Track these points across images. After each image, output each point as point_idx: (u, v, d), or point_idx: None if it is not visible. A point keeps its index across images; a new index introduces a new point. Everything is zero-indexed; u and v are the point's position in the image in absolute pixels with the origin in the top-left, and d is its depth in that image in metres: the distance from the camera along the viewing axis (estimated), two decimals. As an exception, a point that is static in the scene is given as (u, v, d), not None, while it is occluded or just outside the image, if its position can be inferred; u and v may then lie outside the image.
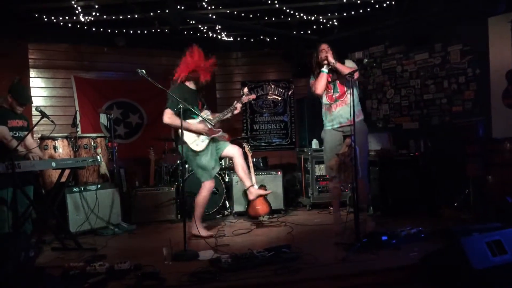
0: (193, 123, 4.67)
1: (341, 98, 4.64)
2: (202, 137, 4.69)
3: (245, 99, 4.97)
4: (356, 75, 4.47)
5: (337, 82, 4.68)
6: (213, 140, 4.78)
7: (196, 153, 4.68)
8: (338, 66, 4.57)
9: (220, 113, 4.93)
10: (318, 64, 4.65)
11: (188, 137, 4.65)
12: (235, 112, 4.86)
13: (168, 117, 4.58)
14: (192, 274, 3.25)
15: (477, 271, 2.90)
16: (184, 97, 4.47)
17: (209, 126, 4.70)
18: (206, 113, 4.80)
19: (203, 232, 4.68)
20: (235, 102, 4.84)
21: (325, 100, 4.72)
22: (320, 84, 4.62)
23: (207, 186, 4.79)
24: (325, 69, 4.60)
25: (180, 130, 4.42)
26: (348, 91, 4.58)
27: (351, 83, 4.33)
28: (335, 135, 4.67)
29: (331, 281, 3.25)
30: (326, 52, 4.61)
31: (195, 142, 4.67)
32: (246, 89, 5.21)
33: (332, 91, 4.70)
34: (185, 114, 4.44)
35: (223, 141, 4.89)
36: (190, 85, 4.79)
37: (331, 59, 4.57)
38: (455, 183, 5.47)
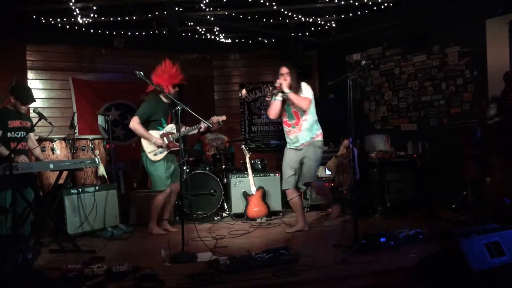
0: (153, 134, 4.95)
1: (297, 126, 4.72)
2: (161, 148, 4.95)
3: (214, 119, 5.09)
4: (306, 106, 4.54)
5: (292, 109, 4.71)
6: (172, 160, 5.07)
7: (153, 162, 4.96)
8: (291, 96, 4.57)
9: (189, 126, 5.10)
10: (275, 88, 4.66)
11: (147, 146, 4.96)
12: (201, 130, 5.07)
13: (134, 123, 4.90)
14: (191, 276, 3.24)
15: (476, 273, 2.90)
16: (153, 110, 4.92)
17: (171, 139, 4.95)
18: (170, 127, 5.04)
19: (155, 230, 5.06)
20: (201, 122, 4.86)
21: (283, 124, 4.81)
22: (272, 111, 4.68)
23: (163, 193, 5.07)
24: (279, 97, 4.61)
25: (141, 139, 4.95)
26: (303, 118, 4.68)
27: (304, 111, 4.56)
28: (295, 154, 4.77)
29: (329, 282, 3.25)
30: (284, 78, 4.59)
31: (153, 152, 4.95)
32: (244, 91, 5.23)
33: (287, 117, 4.76)
34: (151, 125, 4.94)
35: (176, 174, 5.08)
36: (164, 98, 5.02)
37: (285, 89, 4.54)
38: (453, 184, 5.48)
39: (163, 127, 5.01)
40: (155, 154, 4.94)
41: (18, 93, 4.48)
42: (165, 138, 4.95)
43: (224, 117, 5.10)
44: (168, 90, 4.84)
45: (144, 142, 4.98)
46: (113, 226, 5.32)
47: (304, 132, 4.72)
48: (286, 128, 4.82)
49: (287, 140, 4.88)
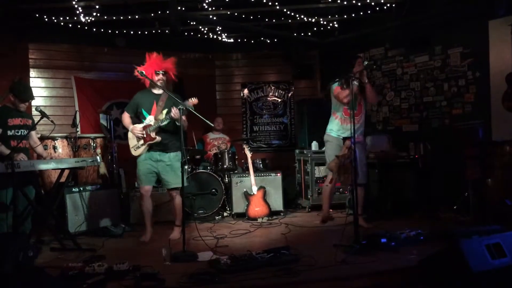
0: (134, 125, 4.77)
1: (357, 117, 4.78)
2: (140, 142, 4.75)
3: (189, 102, 4.52)
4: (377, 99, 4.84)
5: (357, 100, 4.80)
6: (157, 160, 4.73)
7: (137, 158, 4.80)
8: (368, 88, 4.77)
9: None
10: (348, 75, 4.68)
11: (130, 140, 4.84)
12: (173, 115, 4.53)
13: (122, 115, 4.91)
14: (191, 275, 3.24)
15: (476, 274, 2.89)
16: (139, 101, 4.78)
17: (148, 132, 4.68)
18: (149, 119, 4.74)
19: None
20: (172, 109, 4.55)
21: (341, 111, 4.84)
22: (350, 95, 4.63)
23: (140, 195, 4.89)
24: (356, 82, 4.70)
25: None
26: (363, 112, 4.89)
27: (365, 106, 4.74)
28: (341, 142, 4.80)
29: (330, 283, 3.25)
30: (360, 67, 4.74)
31: (135, 146, 4.82)
32: (246, 91, 5.20)
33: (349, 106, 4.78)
34: (138, 118, 4.82)
35: (173, 177, 4.72)
36: (154, 90, 4.80)
37: (365, 79, 4.75)
38: (455, 185, 5.48)
39: (146, 119, 4.79)
40: (135, 149, 4.80)
41: (16, 91, 4.49)
42: (144, 131, 4.75)
43: (195, 101, 4.48)
44: (152, 78, 4.67)
45: (129, 136, 4.85)
46: (114, 225, 5.33)
47: (361, 127, 4.89)
48: (343, 117, 4.89)
49: (334, 128, 4.93)
